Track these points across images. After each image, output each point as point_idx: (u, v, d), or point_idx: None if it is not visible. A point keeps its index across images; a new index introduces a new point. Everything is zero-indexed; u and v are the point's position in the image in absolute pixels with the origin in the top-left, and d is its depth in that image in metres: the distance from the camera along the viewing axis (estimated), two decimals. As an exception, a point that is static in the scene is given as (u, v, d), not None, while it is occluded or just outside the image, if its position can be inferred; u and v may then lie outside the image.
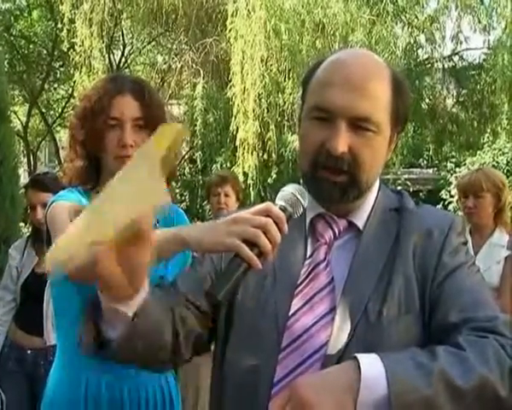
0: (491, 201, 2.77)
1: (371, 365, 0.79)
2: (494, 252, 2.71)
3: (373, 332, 0.93)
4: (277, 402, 0.80)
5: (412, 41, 10.69)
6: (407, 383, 0.77)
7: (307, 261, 1.02)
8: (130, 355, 0.92)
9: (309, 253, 1.04)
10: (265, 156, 9.23)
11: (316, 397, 0.77)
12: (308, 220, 1.06)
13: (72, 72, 10.99)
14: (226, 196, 3.41)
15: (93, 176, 1.53)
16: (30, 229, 3.24)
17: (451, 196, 12.67)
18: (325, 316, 0.96)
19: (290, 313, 0.97)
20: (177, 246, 1.06)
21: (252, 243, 0.88)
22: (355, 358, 0.81)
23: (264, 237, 0.88)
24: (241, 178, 8.92)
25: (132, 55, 13.52)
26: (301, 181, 1.07)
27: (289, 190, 0.95)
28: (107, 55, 11.65)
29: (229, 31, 8.96)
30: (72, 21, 10.04)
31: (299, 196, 0.95)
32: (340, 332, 0.94)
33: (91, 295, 0.87)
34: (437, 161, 14.81)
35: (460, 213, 2.86)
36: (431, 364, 0.80)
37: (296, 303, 0.98)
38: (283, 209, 0.93)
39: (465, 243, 1.04)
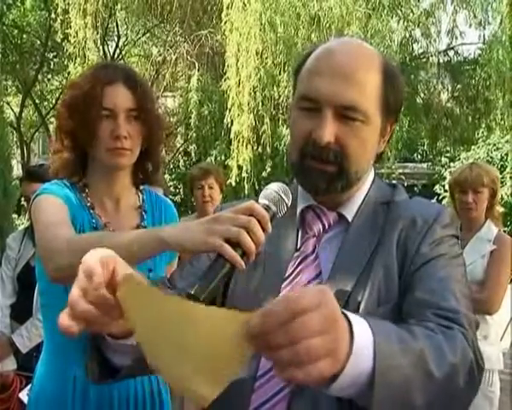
0: (487, 196, 2.78)
1: (362, 333, 0.71)
2: (480, 246, 2.72)
3: None
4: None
5: (408, 35, 10.68)
6: (392, 358, 0.72)
7: (296, 254, 1.02)
8: (142, 372, 0.94)
9: (298, 245, 1.03)
10: (260, 149, 9.21)
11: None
12: (298, 212, 1.05)
13: (66, 63, 10.90)
14: (210, 188, 3.36)
15: (79, 168, 1.49)
16: (24, 220, 3.24)
17: (445, 191, 12.69)
18: None
19: None
20: (157, 247, 1.04)
21: (235, 243, 0.86)
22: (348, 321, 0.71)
23: (248, 236, 0.86)
24: (235, 171, 8.93)
25: (127, 47, 13.40)
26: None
27: (273, 188, 0.93)
28: (101, 47, 11.57)
29: (225, 23, 8.90)
30: (65, 12, 9.93)
31: (282, 195, 0.93)
32: None
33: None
34: (431, 156, 14.85)
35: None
36: (413, 343, 0.77)
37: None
38: (267, 208, 0.91)
39: (453, 236, 1.00)
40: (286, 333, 0.60)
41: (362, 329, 0.71)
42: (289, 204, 0.95)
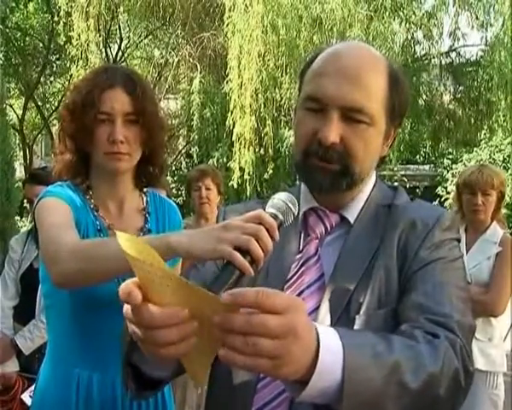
0: (495, 198, 2.77)
1: (329, 350, 0.73)
2: (486, 248, 2.72)
3: (352, 327, 0.92)
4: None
5: (410, 37, 10.67)
6: (362, 371, 0.74)
7: (298, 256, 1.02)
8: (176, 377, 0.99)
9: (300, 247, 1.04)
10: (262, 151, 9.22)
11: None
12: (301, 214, 1.05)
13: (68, 65, 10.95)
14: (207, 189, 3.35)
15: (82, 170, 1.50)
16: (27, 223, 3.26)
17: (448, 193, 12.68)
18: (314, 311, 0.96)
19: None
20: (165, 254, 1.02)
21: (244, 251, 0.87)
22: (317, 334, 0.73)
23: (257, 244, 0.87)
24: (237, 173, 8.94)
25: (129, 49, 13.44)
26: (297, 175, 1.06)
27: (280, 198, 0.94)
28: (103, 49, 11.60)
29: (227, 25, 8.92)
30: (68, 14, 9.98)
31: (290, 205, 0.93)
32: None
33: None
34: (433, 158, 14.84)
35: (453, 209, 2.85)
36: (387, 355, 0.77)
37: None
38: (274, 217, 0.92)
39: (454, 239, 1.01)
40: (244, 322, 0.64)
41: (330, 345, 0.72)
42: (296, 213, 0.95)
